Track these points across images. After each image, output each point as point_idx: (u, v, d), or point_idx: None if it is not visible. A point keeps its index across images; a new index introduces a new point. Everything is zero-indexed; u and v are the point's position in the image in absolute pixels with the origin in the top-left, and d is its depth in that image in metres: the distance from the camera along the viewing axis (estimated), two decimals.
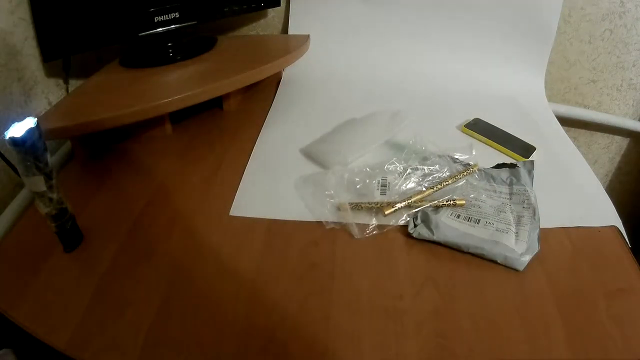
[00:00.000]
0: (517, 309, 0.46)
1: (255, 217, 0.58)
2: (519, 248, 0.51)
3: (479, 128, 0.75)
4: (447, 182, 0.59)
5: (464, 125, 0.76)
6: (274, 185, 0.64)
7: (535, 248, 0.51)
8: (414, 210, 0.57)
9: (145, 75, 0.77)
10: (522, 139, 0.72)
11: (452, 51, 0.94)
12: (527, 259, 0.50)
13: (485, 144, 0.73)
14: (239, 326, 0.45)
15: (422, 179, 0.61)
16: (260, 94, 0.90)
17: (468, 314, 0.46)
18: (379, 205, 0.57)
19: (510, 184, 0.61)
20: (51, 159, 0.47)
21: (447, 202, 0.57)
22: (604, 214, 0.59)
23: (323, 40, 0.95)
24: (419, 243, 0.54)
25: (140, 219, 0.59)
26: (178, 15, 0.80)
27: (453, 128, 0.77)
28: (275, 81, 0.95)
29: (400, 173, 0.61)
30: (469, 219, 0.55)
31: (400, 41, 0.95)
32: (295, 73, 0.96)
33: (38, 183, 0.46)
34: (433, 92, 0.89)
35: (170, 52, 0.82)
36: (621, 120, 1.02)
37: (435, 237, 0.53)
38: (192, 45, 0.85)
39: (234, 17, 1.00)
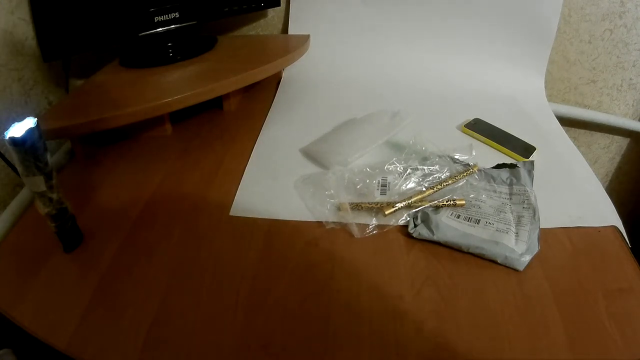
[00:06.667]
0: (517, 309, 0.46)
1: (255, 217, 0.58)
2: (519, 248, 0.51)
3: (479, 128, 0.75)
4: (447, 182, 0.59)
5: (464, 125, 0.76)
6: (274, 185, 0.64)
7: (535, 248, 0.51)
8: (414, 210, 0.57)
9: (145, 75, 0.77)
10: (522, 139, 0.72)
11: (452, 51, 0.94)
12: (527, 259, 0.50)
13: (485, 144, 0.73)
14: (238, 326, 0.45)
15: (422, 179, 0.61)
16: (260, 94, 0.91)
17: (468, 314, 0.46)
18: (379, 205, 0.57)
19: (510, 184, 0.61)
20: (51, 159, 0.47)
21: (447, 202, 0.57)
22: (604, 214, 0.59)
23: (323, 40, 0.95)
24: (419, 243, 0.54)
25: (140, 219, 0.59)
26: (178, 15, 0.80)
27: (453, 128, 0.77)
28: (275, 81, 0.95)
29: (400, 173, 0.61)
30: (469, 219, 0.55)
31: (400, 41, 0.95)
32: (295, 73, 0.96)
33: (38, 183, 0.46)
34: (433, 92, 0.89)
35: (170, 52, 0.82)
36: (621, 120, 1.02)
37: (435, 237, 0.53)
38: (192, 45, 0.85)
39: (234, 17, 1.00)
